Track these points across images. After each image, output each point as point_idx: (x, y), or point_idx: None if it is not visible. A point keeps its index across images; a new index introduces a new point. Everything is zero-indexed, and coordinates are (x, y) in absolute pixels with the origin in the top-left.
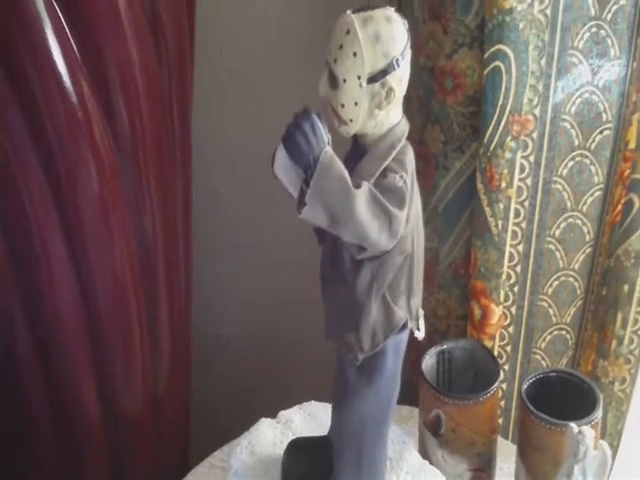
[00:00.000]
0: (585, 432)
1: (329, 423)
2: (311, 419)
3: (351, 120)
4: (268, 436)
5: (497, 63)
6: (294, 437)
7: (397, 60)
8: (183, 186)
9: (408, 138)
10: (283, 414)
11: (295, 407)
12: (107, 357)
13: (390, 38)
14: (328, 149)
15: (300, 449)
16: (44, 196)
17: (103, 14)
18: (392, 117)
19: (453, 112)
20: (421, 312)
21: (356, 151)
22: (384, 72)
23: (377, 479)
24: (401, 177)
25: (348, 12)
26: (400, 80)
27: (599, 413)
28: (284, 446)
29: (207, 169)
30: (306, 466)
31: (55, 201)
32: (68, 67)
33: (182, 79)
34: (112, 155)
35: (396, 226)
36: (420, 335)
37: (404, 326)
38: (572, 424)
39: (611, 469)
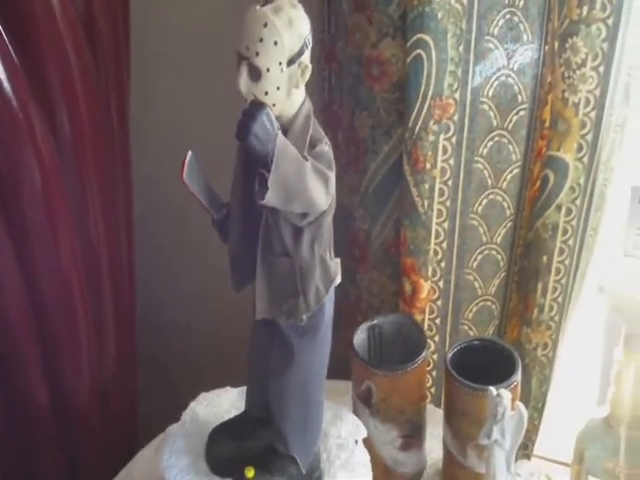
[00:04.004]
0: (503, 394)
1: (229, 406)
2: (211, 407)
3: (274, 104)
4: (182, 437)
5: (418, 51)
6: (213, 426)
7: (308, 39)
8: (123, 184)
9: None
10: (186, 413)
11: (191, 404)
12: (55, 351)
13: (300, 21)
14: (280, 134)
15: (221, 434)
16: None
17: (39, 16)
18: (302, 94)
19: (380, 98)
20: (337, 260)
21: None
22: (299, 53)
23: (320, 423)
24: (326, 143)
25: (257, 7)
26: (309, 57)
27: (517, 377)
28: (201, 440)
29: (148, 166)
30: (231, 447)
31: None
32: (7, 71)
33: (119, 78)
34: (54, 156)
35: (331, 187)
36: (337, 281)
37: None
38: (491, 388)
39: (537, 430)
